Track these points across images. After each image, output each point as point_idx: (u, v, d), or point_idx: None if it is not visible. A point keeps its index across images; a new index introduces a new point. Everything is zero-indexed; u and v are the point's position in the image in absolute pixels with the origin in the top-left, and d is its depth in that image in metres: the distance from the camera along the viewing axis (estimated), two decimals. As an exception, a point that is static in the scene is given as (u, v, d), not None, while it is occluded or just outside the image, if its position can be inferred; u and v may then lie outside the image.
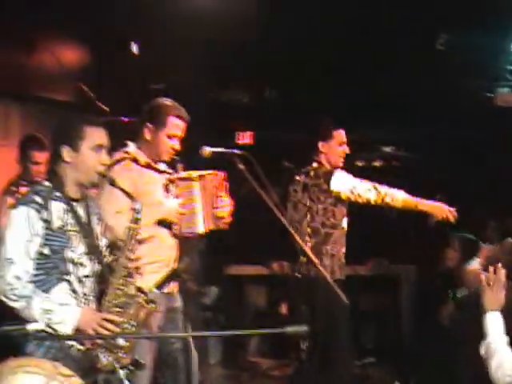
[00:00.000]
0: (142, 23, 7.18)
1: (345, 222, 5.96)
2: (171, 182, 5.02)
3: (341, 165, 5.97)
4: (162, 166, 5.06)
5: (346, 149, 5.98)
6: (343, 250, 5.96)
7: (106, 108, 6.47)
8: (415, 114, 8.07)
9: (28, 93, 7.36)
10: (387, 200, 5.74)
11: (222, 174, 5.19)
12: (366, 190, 5.75)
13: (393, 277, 7.49)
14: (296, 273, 5.94)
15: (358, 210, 7.50)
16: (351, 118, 7.73)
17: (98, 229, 4.15)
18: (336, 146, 5.98)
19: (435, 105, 7.96)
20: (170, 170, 5.10)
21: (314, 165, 5.97)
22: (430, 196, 5.83)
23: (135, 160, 4.89)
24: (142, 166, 4.90)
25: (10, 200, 5.96)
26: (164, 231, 4.95)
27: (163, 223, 4.92)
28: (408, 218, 7.42)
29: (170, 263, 4.94)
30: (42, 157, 6.04)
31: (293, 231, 4.97)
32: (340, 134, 5.98)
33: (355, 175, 5.85)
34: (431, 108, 8.01)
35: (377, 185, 5.76)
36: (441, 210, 5.75)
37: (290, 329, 3.18)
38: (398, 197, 5.76)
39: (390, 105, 8.05)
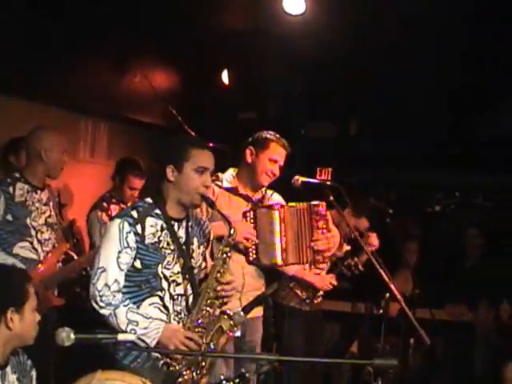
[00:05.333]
0: (234, 51, 7.24)
1: None
2: (252, 209, 5.06)
3: None
4: (257, 195, 5.15)
5: None
6: None
7: (193, 133, 6.50)
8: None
9: (117, 113, 7.45)
10: None
11: (323, 205, 5.20)
12: None
13: (468, 323, 7.34)
14: (380, 309, 5.89)
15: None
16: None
17: (198, 251, 4.17)
18: None
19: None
20: (258, 197, 5.17)
21: None
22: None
23: (221, 184, 5.00)
24: (224, 189, 5.03)
25: (103, 215, 6.06)
26: (239, 257, 4.99)
27: (238, 249, 4.95)
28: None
29: (243, 290, 4.96)
30: (139, 184, 6.14)
31: (379, 267, 4.90)
32: None
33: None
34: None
35: None
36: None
37: (379, 361, 3.09)
38: None
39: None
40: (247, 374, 3.96)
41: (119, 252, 3.90)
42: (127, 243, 3.91)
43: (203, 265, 4.23)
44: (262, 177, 5.07)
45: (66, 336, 3.20)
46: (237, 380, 3.66)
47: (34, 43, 5.97)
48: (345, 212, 5.74)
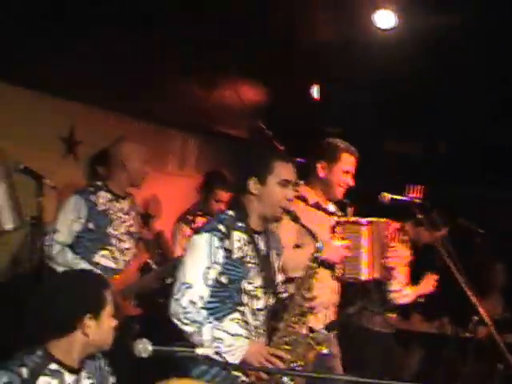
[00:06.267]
0: (323, 67, 7.20)
1: None
2: (339, 224, 4.99)
3: None
4: (331, 208, 5.06)
5: None
6: None
7: (281, 147, 6.49)
8: None
9: (206, 126, 7.50)
10: None
11: (396, 224, 5.12)
12: None
13: None
14: (467, 332, 5.77)
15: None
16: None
17: (275, 264, 4.12)
18: None
19: None
20: (339, 213, 5.08)
21: None
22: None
23: (304, 199, 4.90)
24: (310, 205, 4.90)
25: (185, 228, 6.08)
26: (326, 273, 4.90)
27: (325, 265, 4.87)
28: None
29: (329, 306, 4.90)
30: (225, 196, 6.13)
31: (467, 288, 4.79)
32: None
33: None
34: None
35: None
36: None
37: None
38: None
39: None
40: None
41: (207, 268, 3.82)
42: (216, 259, 3.83)
43: (279, 278, 4.18)
44: (338, 190, 5.00)
45: (143, 348, 3.17)
46: None
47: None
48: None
